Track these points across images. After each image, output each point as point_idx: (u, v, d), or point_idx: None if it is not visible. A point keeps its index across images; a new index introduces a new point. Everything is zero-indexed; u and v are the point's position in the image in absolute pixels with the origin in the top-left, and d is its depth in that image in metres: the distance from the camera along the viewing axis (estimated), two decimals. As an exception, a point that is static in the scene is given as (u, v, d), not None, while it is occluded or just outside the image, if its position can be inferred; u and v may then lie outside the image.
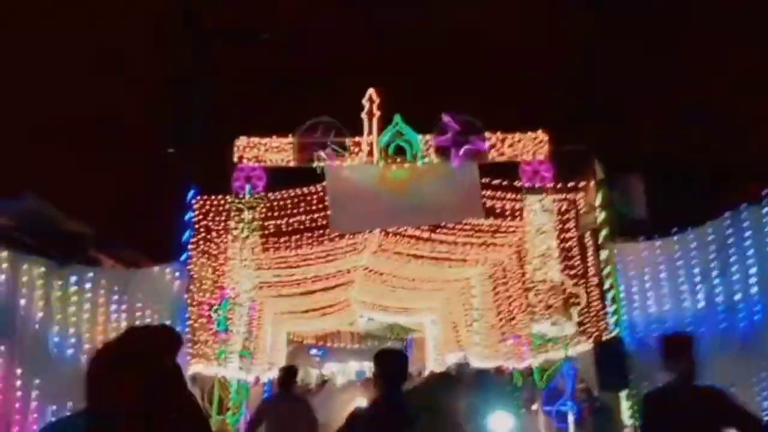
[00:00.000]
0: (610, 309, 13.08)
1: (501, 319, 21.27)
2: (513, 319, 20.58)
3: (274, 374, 33.02)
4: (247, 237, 13.34)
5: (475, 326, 23.60)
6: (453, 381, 9.59)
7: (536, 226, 13.22)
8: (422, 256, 20.65)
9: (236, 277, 13.28)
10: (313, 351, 43.00)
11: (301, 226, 14.50)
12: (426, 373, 30.72)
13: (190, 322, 13.19)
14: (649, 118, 13.49)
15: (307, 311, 31.39)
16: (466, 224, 16.42)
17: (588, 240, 13.63)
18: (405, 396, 4.66)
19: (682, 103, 12.82)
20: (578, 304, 12.67)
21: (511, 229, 14.98)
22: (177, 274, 12.86)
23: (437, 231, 17.22)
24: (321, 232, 15.15)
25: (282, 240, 14.58)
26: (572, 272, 13.20)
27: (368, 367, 41.74)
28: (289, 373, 10.34)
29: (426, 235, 17.82)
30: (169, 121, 14.49)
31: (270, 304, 28.57)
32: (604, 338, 13.02)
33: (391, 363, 4.72)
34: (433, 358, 35.41)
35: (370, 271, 25.12)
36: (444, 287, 25.09)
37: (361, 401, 12.40)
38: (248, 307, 13.32)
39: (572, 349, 13.36)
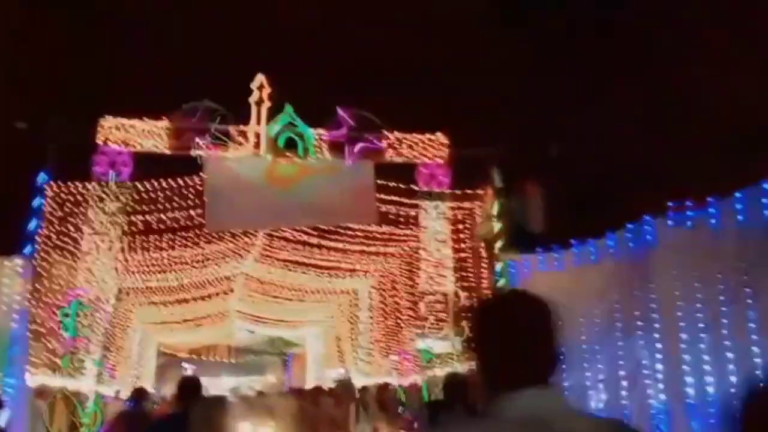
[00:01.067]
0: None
1: (387, 333, 20.41)
2: (400, 332, 19.76)
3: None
4: (109, 231, 11.58)
5: (360, 340, 22.59)
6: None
7: (432, 233, 12.40)
8: (308, 264, 19.41)
9: (93, 277, 11.46)
10: (185, 365, 40.25)
11: (175, 224, 12.90)
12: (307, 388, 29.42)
13: (34, 326, 11.25)
14: (554, 124, 13.15)
15: (180, 322, 29.17)
16: (357, 230, 15.40)
17: (483, 251, 12.99)
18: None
19: (588, 111, 12.60)
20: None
21: (403, 238, 14.12)
22: (20, 269, 10.91)
23: (326, 237, 16.09)
24: (197, 231, 13.59)
25: (151, 238, 12.91)
26: (466, 284, 12.48)
27: (244, 382, 39.74)
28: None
29: (315, 241, 16.63)
30: (22, 90, 12.39)
31: (139, 313, 26.18)
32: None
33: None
34: (313, 374, 34.05)
35: (251, 279, 23.55)
36: (329, 299, 23.89)
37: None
38: (107, 312, 11.49)
39: (462, 366, 12.56)
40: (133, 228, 12.32)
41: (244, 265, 19.40)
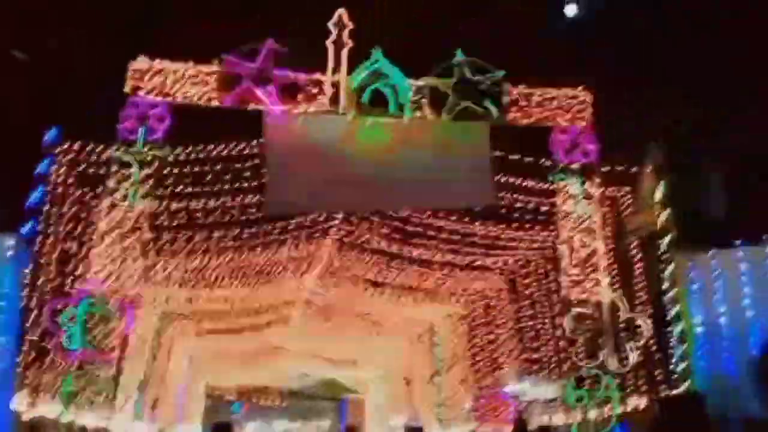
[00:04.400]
0: (677, 349, 8.57)
1: (478, 372, 16.53)
2: (495, 371, 15.84)
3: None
4: (133, 204, 8.32)
5: (439, 381, 18.70)
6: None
7: (575, 220, 8.74)
8: (382, 284, 15.85)
9: (110, 266, 8.15)
10: (234, 408, 36.85)
11: (219, 204, 9.65)
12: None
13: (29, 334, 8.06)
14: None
15: (231, 358, 25.78)
16: (453, 231, 11.85)
17: (641, 248, 9.25)
18: None
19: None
20: (638, 337, 8.07)
21: (525, 236, 10.52)
22: (10, 251, 7.80)
23: (410, 242, 12.60)
24: (251, 218, 10.31)
25: (183, 219, 9.69)
26: (628, 291, 8.69)
27: (296, 429, 35.93)
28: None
29: (395, 249, 13.11)
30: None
31: (183, 343, 22.93)
32: (666, 394, 8.44)
33: None
34: (375, 422, 30.08)
35: (313, 305, 20.07)
36: (401, 332, 20.09)
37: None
38: (129, 318, 8.04)
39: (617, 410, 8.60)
40: (165, 207, 9.06)
41: (306, 282, 15.94)
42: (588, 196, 8.94)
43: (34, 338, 8.10)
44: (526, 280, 13.29)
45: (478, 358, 16.36)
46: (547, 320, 13.47)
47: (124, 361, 13.63)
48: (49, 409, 8.60)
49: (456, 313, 17.11)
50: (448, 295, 15.53)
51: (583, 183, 8.97)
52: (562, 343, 12.22)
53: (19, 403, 8.26)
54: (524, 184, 9.85)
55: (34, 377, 8.55)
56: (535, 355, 14.58)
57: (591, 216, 8.84)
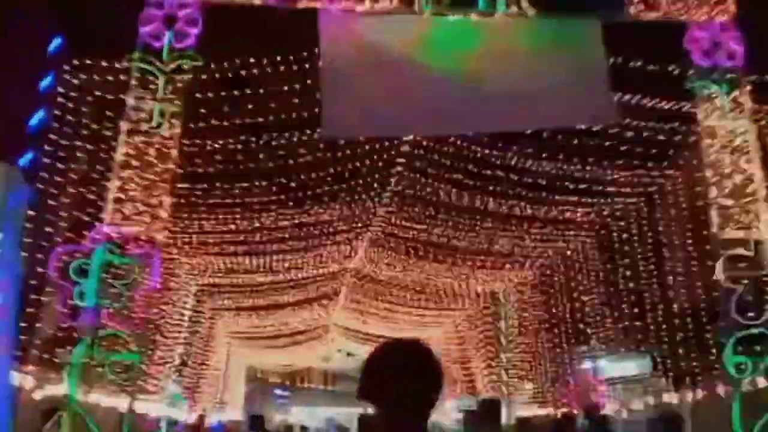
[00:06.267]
0: None
1: (553, 349, 14.47)
2: (576, 344, 13.77)
3: (227, 416, 25.49)
4: (159, 125, 6.52)
5: (505, 358, 16.69)
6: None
7: (723, 139, 6.69)
8: (444, 247, 13.83)
9: (131, 205, 6.36)
10: (278, 392, 35.54)
11: (265, 141, 7.81)
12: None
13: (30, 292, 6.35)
14: None
15: (273, 337, 24.21)
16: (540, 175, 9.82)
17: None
18: None
19: None
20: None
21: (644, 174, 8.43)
22: (6, 183, 6.11)
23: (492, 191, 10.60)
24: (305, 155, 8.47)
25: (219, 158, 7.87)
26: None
27: (342, 413, 34.40)
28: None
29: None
30: None
31: (223, 324, 21.40)
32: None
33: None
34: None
35: (362, 277, 18.28)
36: (461, 304, 18.11)
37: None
38: (147, 263, 6.26)
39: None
40: (194, 138, 7.25)
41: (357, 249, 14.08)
42: (737, 109, 6.85)
43: (40, 296, 6.33)
44: (623, 235, 11.16)
45: (552, 332, 14.33)
46: (645, 284, 11.39)
47: (154, 329, 12.03)
48: (60, 386, 6.90)
49: (528, 280, 15.10)
50: (523, 258, 13.49)
51: (728, 92, 6.88)
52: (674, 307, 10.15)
53: (22, 378, 6.57)
54: (650, 101, 7.74)
55: (43, 346, 6.85)
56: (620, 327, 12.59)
57: (744, 132, 6.76)
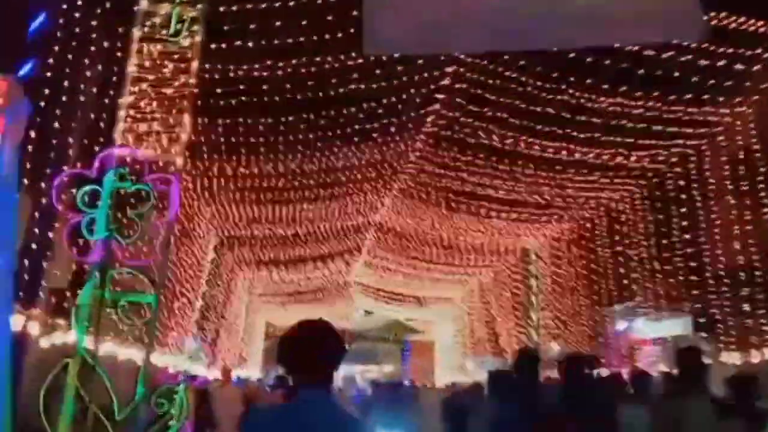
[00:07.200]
0: None
1: (587, 305, 13.65)
2: (616, 303, 12.91)
3: (246, 373, 25.12)
4: (177, 33, 5.64)
5: (536, 318, 15.92)
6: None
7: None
8: (475, 197, 12.86)
9: (145, 125, 5.54)
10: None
11: (293, 69, 6.93)
12: (438, 384, 22.83)
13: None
14: None
15: (293, 293, 23.66)
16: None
17: None
18: None
19: None
20: None
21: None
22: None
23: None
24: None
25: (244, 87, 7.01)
26: None
27: (359, 372, 34.13)
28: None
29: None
30: None
31: (244, 275, 20.83)
32: None
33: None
34: (444, 364, 27.79)
35: (386, 231, 17.50)
36: (488, 259, 17.27)
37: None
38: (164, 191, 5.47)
39: None
40: (219, 65, 6.39)
41: (389, 188, 13.17)
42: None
43: (43, 230, 5.57)
44: (670, 185, 10.20)
45: (590, 289, 13.49)
46: (695, 238, 10.46)
47: (173, 272, 11.32)
48: (67, 333, 6.20)
49: (563, 235, 14.22)
50: (561, 209, 12.58)
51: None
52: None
53: (21, 321, 5.84)
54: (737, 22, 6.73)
55: (49, 287, 6.11)
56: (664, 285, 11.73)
57: None
